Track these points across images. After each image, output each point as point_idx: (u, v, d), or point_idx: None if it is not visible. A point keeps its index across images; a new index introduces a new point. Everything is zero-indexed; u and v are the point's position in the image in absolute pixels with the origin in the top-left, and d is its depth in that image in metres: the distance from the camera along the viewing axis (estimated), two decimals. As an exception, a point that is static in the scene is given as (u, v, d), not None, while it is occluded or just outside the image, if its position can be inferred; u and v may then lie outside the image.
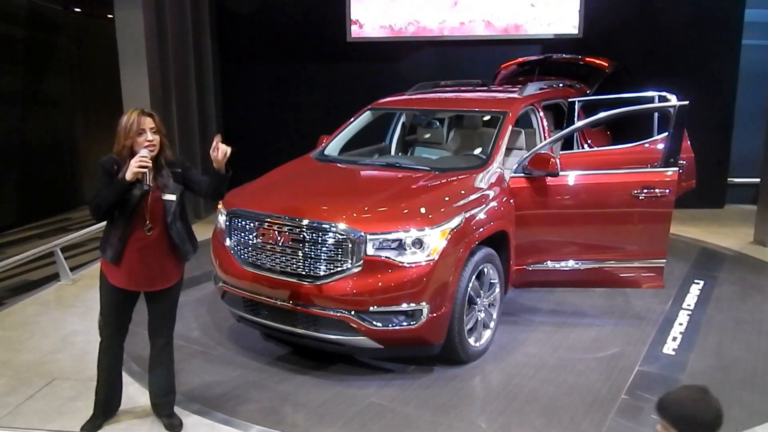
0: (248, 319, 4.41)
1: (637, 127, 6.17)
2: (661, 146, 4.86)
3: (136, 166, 3.11)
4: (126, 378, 3.78)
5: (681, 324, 5.00)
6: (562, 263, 4.90)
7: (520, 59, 7.60)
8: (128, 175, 3.12)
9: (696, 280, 5.97)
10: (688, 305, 5.38)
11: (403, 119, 6.48)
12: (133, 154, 3.20)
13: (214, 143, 3.29)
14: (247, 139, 9.22)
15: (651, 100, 5.86)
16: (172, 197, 3.31)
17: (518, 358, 4.42)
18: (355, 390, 4.00)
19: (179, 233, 3.37)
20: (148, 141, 3.20)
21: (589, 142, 6.39)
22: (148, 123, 3.22)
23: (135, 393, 3.94)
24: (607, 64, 7.20)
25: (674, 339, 4.74)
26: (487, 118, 6.02)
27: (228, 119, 9.36)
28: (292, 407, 3.82)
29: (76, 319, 5.22)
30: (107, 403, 3.60)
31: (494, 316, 4.58)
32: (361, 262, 3.87)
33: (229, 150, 3.31)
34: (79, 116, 9.75)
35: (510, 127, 5.06)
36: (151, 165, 3.19)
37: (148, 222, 3.25)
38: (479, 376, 4.20)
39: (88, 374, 4.12)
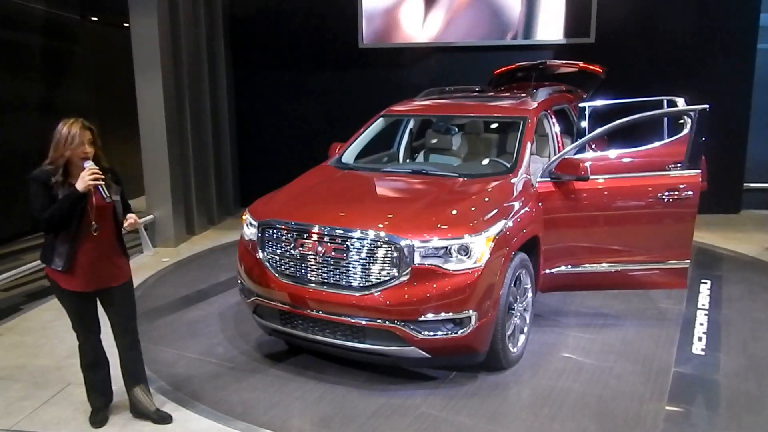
0: (284, 332, 4.07)
1: (634, 130, 5.91)
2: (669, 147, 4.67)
3: (90, 178, 3.10)
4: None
5: (702, 324, 4.82)
6: (589, 266, 4.67)
7: (514, 65, 7.30)
8: (81, 187, 3.11)
9: (702, 280, 5.79)
10: (703, 305, 5.21)
11: (411, 125, 6.15)
12: (68, 164, 3.17)
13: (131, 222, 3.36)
14: (259, 145, 8.94)
15: (660, 104, 5.65)
16: (117, 197, 3.33)
17: (555, 363, 4.17)
18: (402, 400, 3.70)
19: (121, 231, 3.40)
20: (85, 152, 3.17)
21: (593, 146, 6.17)
22: (88, 136, 3.21)
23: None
24: (600, 70, 6.98)
25: (699, 339, 4.56)
26: (494, 125, 5.76)
27: (240, 125, 8.98)
28: (342, 420, 3.51)
29: (93, 324, 4.88)
30: (102, 395, 3.55)
31: (527, 321, 4.33)
32: (409, 270, 3.57)
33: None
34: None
35: (533, 133, 4.81)
36: (103, 175, 3.16)
37: (94, 223, 3.21)
38: (522, 382, 3.94)
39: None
